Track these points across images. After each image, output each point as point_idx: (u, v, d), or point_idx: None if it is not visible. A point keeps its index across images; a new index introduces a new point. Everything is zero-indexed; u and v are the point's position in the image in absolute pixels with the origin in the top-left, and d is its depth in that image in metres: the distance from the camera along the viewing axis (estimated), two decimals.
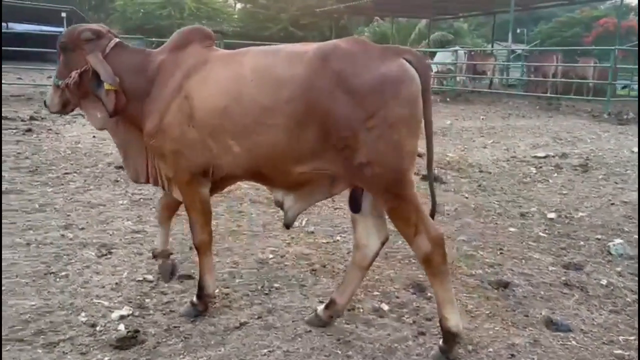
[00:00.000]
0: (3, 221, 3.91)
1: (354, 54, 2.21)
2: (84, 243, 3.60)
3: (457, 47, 21.26)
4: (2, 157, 5.87)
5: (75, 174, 5.42)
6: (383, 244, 2.56)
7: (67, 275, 3.09)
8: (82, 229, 3.90)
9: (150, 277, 3.11)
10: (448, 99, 16.21)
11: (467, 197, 5.17)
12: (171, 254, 3.10)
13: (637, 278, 3.29)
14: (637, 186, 5.66)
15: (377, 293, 2.97)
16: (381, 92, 2.14)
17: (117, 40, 2.76)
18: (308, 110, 2.20)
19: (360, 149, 2.15)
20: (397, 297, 2.91)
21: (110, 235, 3.80)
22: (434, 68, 19.31)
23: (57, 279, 3.04)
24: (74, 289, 2.93)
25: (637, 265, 3.51)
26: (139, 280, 3.08)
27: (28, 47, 14.86)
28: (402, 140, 2.16)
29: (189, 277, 3.14)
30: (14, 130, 7.59)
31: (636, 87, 16.83)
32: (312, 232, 3.99)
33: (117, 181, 5.23)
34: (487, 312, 2.79)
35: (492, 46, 25.89)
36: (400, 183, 2.20)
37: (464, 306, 2.84)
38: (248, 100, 2.31)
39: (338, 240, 3.83)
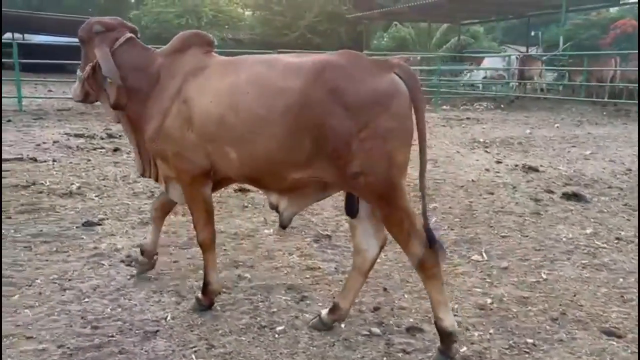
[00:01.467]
0: (165, 259, 3.54)
1: (347, 68, 2.27)
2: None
3: (509, 52, 20.73)
4: (112, 182, 5.55)
5: None
6: (382, 247, 2.63)
7: (284, 331, 2.70)
8: (251, 266, 3.52)
9: (376, 330, 2.72)
10: (502, 106, 15.77)
11: (628, 219, 4.73)
12: (156, 254, 3.24)
13: None
14: None
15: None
16: (373, 105, 2.19)
17: (130, 35, 2.80)
18: (302, 122, 2.25)
19: (353, 160, 2.20)
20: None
21: (286, 274, 3.41)
22: (483, 73, 18.86)
23: (277, 335, 2.66)
24: (305, 347, 2.54)
25: None
26: (365, 335, 2.68)
27: (53, 59, 14.20)
28: (393, 151, 2.22)
29: (420, 329, 2.74)
30: (102, 150, 7.27)
31: None
32: (506, 269, 3.57)
33: (246, 207, 4.86)
34: None
35: (527, 50, 25.36)
36: (392, 192, 2.26)
37: None
38: (245, 110, 2.36)
39: (547, 279, 3.41)
